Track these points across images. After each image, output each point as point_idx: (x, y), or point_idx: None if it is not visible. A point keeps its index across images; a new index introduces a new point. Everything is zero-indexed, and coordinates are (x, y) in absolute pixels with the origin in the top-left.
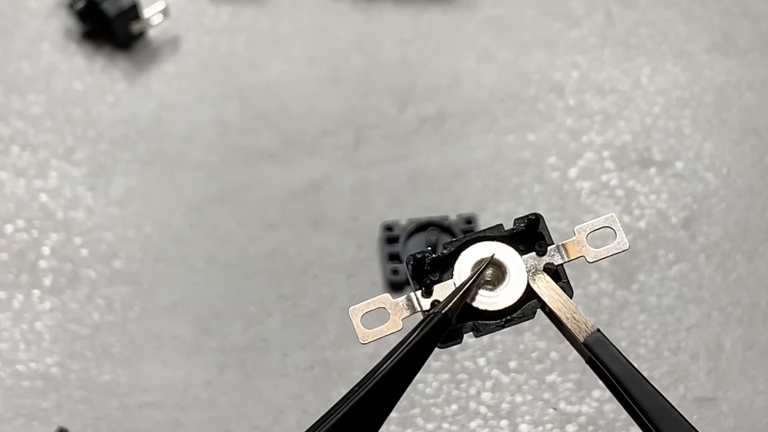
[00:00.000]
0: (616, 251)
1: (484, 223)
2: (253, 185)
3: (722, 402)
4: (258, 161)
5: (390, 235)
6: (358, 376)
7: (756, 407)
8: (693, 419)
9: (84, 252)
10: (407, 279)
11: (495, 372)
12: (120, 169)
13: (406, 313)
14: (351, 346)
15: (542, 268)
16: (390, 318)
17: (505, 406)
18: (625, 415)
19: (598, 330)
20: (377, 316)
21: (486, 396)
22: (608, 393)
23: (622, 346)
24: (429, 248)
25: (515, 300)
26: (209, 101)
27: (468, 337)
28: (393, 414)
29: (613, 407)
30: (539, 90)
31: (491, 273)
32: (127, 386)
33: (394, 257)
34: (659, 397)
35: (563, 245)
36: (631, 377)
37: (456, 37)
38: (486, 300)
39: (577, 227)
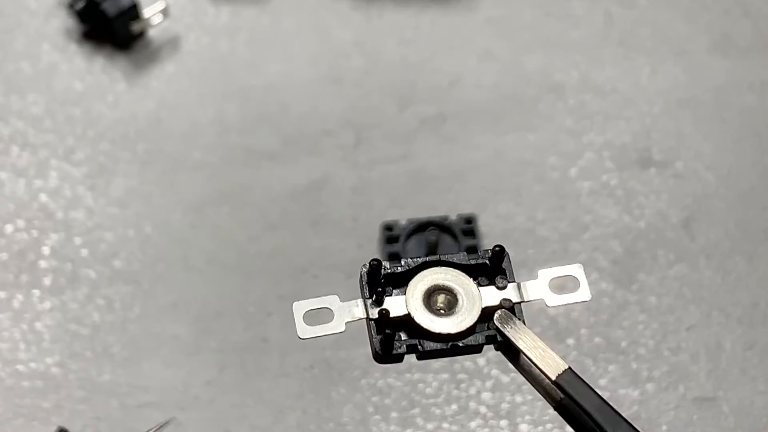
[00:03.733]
0: (577, 300)
1: (483, 224)
2: (253, 185)
3: (722, 402)
4: (258, 161)
5: (390, 235)
6: (358, 376)
7: (756, 407)
8: (693, 419)
9: (84, 252)
10: (360, 282)
11: (495, 372)
12: (120, 169)
13: (352, 318)
14: (351, 346)
15: (498, 303)
16: (334, 318)
17: (505, 406)
18: (624, 414)
19: (570, 368)
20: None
21: (486, 396)
22: (608, 393)
23: (622, 346)
24: (385, 260)
25: (463, 329)
26: (209, 101)
27: None
28: (393, 414)
29: None
30: (539, 90)
31: (443, 299)
32: (127, 386)
33: (394, 257)
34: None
35: (524, 285)
36: (605, 412)
37: (456, 37)
38: (433, 323)
39: (541, 270)
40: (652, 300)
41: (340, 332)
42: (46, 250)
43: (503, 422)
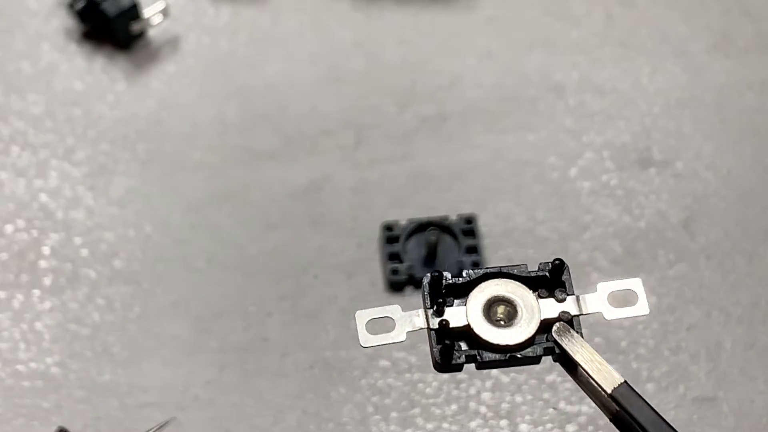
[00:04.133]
0: (636, 314)
1: (483, 224)
2: (253, 185)
3: (722, 402)
4: (258, 161)
5: (390, 235)
6: (358, 376)
7: (756, 407)
8: (693, 419)
9: (84, 252)
10: (422, 292)
11: (495, 372)
12: (120, 169)
13: (413, 328)
14: (351, 346)
15: (557, 316)
16: (395, 328)
17: (505, 406)
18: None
19: (626, 382)
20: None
21: (486, 396)
22: None
23: (621, 346)
24: (446, 271)
25: (522, 341)
26: (209, 101)
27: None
28: (393, 413)
29: None
30: (539, 90)
31: (503, 310)
32: (127, 386)
33: (394, 257)
34: None
35: (583, 297)
36: (660, 427)
37: (456, 37)
38: (492, 334)
39: (600, 284)
40: (652, 300)
41: (401, 341)
42: (46, 250)
43: (503, 422)
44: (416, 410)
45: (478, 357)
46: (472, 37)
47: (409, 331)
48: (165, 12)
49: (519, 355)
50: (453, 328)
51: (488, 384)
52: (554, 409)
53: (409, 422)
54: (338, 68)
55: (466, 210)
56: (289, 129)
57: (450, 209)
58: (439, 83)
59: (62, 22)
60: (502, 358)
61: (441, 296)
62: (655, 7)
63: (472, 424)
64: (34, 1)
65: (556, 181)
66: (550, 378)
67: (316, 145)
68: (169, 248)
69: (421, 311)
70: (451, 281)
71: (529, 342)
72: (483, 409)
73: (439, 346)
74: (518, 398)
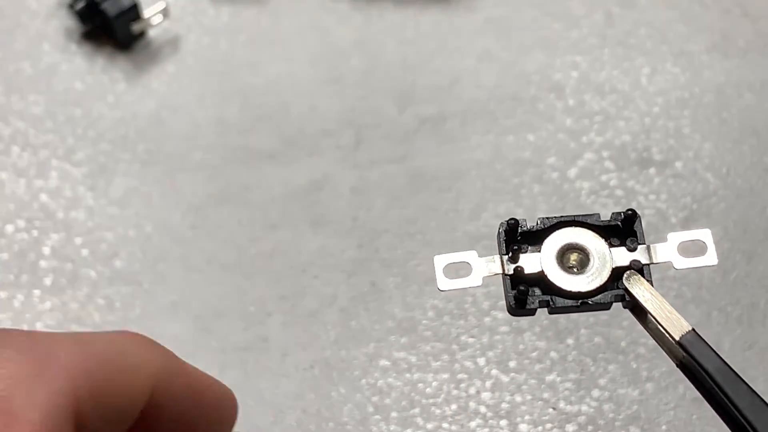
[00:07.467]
0: (704, 264)
1: (483, 224)
2: (253, 185)
3: None
4: (258, 161)
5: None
6: (359, 376)
7: None
8: (693, 419)
9: (84, 252)
10: (497, 239)
11: (495, 372)
12: (120, 169)
13: (488, 273)
14: (351, 346)
15: (628, 264)
16: (472, 273)
17: (504, 405)
18: (624, 414)
19: (693, 330)
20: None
21: (486, 396)
22: (608, 392)
23: (621, 346)
24: (523, 219)
25: (594, 288)
26: (209, 101)
27: (468, 337)
28: (393, 414)
29: (612, 406)
30: (539, 90)
31: (576, 258)
32: None
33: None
34: (756, 397)
35: (653, 247)
36: (726, 375)
37: (456, 38)
38: (565, 280)
39: (670, 234)
40: None
41: (477, 286)
42: (46, 250)
43: (503, 422)
44: (416, 410)
45: (551, 303)
46: (472, 37)
47: (485, 276)
48: (165, 12)
49: (590, 302)
50: (527, 274)
51: (488, 384)
52: (554, 408)
53: (409, 422)
54: (338, 68)
55: (466, 209)
56: (289, 129)
57: (450, 209)
58: (439, 83)
59: (62, 22)
60: (575, 304)
61: (516, 243)
62: (655, 7)
63: (472, 424)
64: (35, 1)
65: (556, 181)
66: (550, 378)
67: (316, 145)
68: (169, 248)
69: (496, 257)
70: (526, 228)
71: (601, 289)
72: (483, 409)
73: (514, 292)
74: (518, 398)
